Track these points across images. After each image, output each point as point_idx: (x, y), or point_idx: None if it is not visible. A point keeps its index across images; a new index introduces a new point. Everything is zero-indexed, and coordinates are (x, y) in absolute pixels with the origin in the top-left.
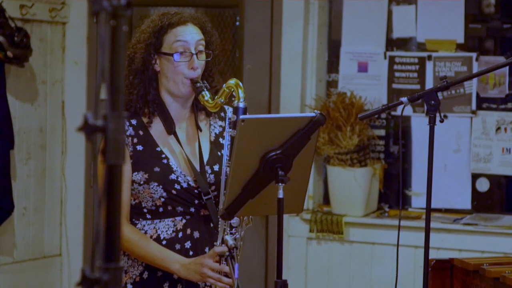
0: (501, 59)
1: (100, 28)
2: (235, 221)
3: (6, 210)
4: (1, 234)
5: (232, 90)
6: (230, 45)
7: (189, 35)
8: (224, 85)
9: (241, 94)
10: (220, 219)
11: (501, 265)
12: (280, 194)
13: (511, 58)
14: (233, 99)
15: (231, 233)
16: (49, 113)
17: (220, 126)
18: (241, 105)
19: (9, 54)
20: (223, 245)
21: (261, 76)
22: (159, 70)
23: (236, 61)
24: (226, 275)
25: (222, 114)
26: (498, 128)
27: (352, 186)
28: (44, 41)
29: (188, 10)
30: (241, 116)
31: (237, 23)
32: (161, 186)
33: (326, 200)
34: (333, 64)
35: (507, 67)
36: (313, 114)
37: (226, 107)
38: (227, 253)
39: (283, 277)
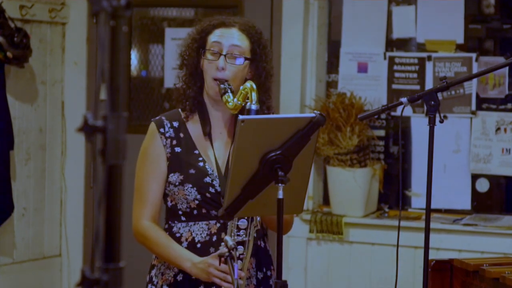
0: (501, 60)
1: (100, 28)
2: (242, 223)
3: (6, 210)
4: (1, 234)
5: (247, 92)
6: None
7: (226, 38)
8: (241, 87)
9: (254, 97)
10: (228, 222)
11: (501, 265)
12: (280, 195)
13: (511, 59)
14: (247, 101)
15: (238, 235)
16: (48, 114)
17: None
18: (253, 107)
19: (9, 54)
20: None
21: None
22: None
23: None
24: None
25: None
26: (498, 129)
27: (352, 186)
28: (43, 41)
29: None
30: (241, 117)
31: None
32: (195, 188)
33: (326, 200)
34: (332, 64)
35: (507, 68)
36: (313, 115)
37: None
38: (227, 254)
39: (283, 278)
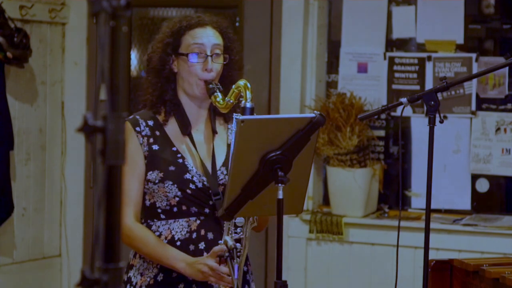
0: (500, 60)
1: (99, 28)
2: (239, 220)
3: (6, 211)
4: (0, 234)
5: (240, 90)
6: None
7: (206, 38)
8: (233, 86)
9: (249, 95)
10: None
11: (501, 265)
12: (280, 195)
13: (511, 59)
14: (241, 99)
15: (235, 233)
16: (48, 114)
17: None
18: (248, 105)
19: (9, 55)
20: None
21: (261, 76)
22: (176, 71)
23: None
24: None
25: None
26: (498, 129)
27: (352, 186)
28: (43, 41)
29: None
30: (241, 117)
31: (237, 24)
32: (176, 185)
33: (326, 200)
34: (332, 64)
35: (507, 68)
36: (313, 115)
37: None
38: (227, 254)
39: (283, 278)
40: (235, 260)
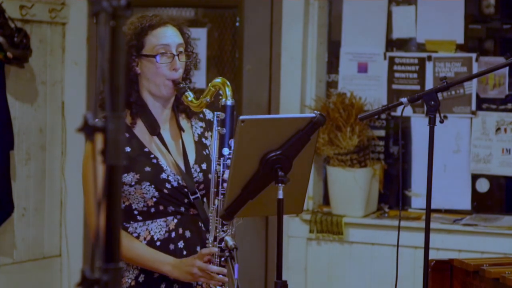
0: (501, 60)
1: (100, 28)
2: None
3: (6, 211)
4: (1, 234)
5: (218, 88)
6: (230, 46)
7: (170, 38)
8: (209, 84)
9: (229, 93)
10: (210, 217)
11: (501, 265)
12: (280, 195)
13: (511, 59)
14: (220, 97)
15: (222, 231)
16: (49, 114)
17: (201, 127)
18: (229, 102)
19: (9, 54)
20: (215, 244)
21: (261, 76)
22: (139, 73)
23: (236, 62)
24: (222, 273)
25: (201, 115)
26: (498, 129)
27: (352, 186)
28: (44, 41)
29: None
30: (241, 117)
31: (237, 24)
32: (153, 186)
33: (326, 200)
34: (333, 64)
35: (507, 68)
36: (313, 115)
37: (204, 109)
38: (227, 254)
39: (283, 278)
40: (235, 260)
